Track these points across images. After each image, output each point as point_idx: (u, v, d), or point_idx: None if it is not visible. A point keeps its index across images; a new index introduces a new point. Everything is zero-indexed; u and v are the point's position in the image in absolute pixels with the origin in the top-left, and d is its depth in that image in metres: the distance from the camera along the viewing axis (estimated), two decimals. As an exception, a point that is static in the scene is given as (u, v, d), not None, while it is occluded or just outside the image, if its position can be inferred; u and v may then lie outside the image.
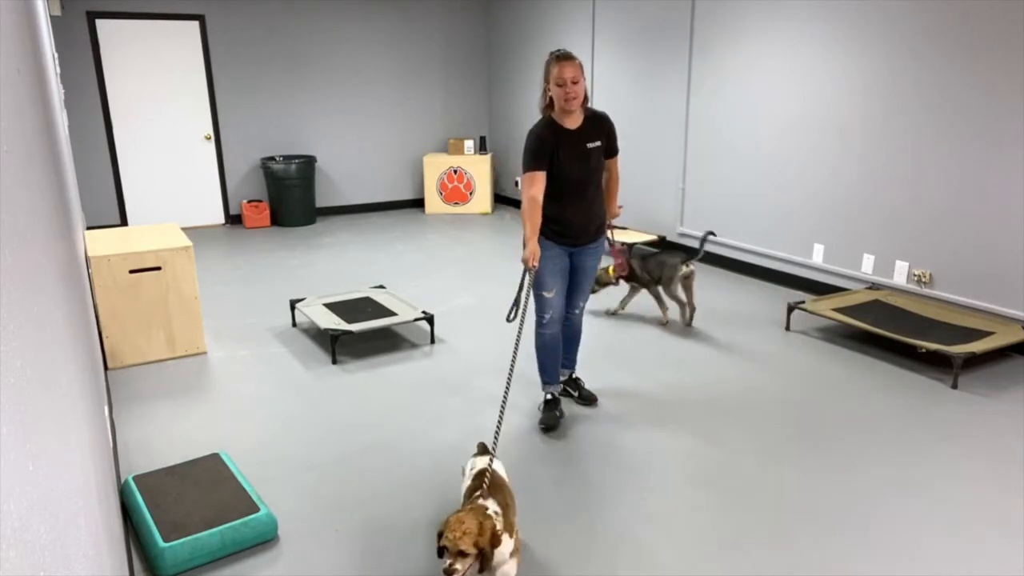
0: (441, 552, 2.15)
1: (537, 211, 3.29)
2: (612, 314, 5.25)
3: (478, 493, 2.33)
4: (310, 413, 3.75)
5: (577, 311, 3.75)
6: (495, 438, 2.63)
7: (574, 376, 3.91)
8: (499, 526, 2.19)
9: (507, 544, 2.20)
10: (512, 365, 2.92)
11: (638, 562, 2.58)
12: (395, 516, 2.87)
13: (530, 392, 3.93)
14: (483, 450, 2.69)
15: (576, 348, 3.89)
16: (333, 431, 3.56)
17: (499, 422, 2.69)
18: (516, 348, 2.98)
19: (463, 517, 2.16)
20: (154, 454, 3.34)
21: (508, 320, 3.38)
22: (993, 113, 4.38)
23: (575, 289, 3.68)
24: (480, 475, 2.43)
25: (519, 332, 3.03)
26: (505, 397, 2.79)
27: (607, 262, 4.80)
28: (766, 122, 5.84)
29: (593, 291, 4.84)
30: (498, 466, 2.57)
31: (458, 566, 2.10)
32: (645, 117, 7.05)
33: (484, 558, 2.14)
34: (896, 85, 4.87)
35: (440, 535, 2.16)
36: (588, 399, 3.85)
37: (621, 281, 5.08)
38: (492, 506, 2.26)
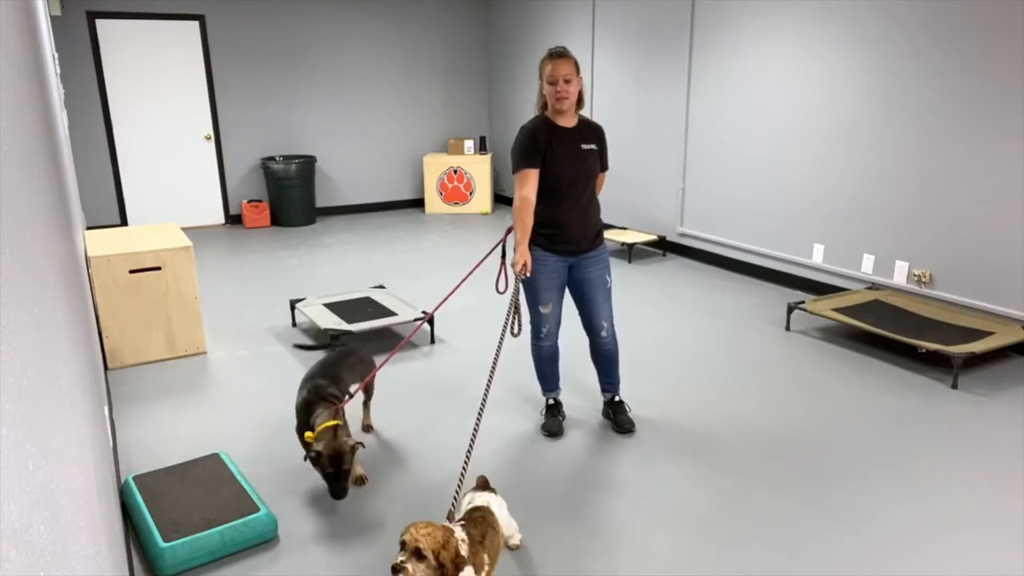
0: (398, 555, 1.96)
1: (530, 212, 3.14)
2: (371, 428, 3.59)
3: (449, 516, 2.19)
4: (310, 413, 3.74)
5: (604, 334, 3.40)
6: (463, 468, 2.39)
7: (616, 399, 3.58)
8: (464, 552, 2.00)
9: (468, 574, 2.01)
10: (485, 397, 2.66)
11: (638, 562, 2.58)
12: (395, 516, 2.87)
13: (533, 395, 3.93)
14: (483, 485, 2.50)
15: (613, 370, 3.53)
16: (333, 431, 3.55)
17: (468, 452, 2.47)
18: (491, 376, 2.67)
19: (431, 524, 1.99)
20: (154, 454, 3.34)
21: (513, 335, 3.07)
22: (993, 113, 4.37)
23: (589, 308, 3.36)
24: (473, 511, 2.24)
25: (494, 362, 2.76)
26: (474, 433, 2.50)
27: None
28: (766, 122, 5.84)
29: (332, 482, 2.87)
30: (497, 505, 2.37)
31: (408, 566, 1.90)
32: (645, 117, 7.05)
33: None
34: (897, 85, 4.87)
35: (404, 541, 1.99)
36: (623, 427, 3.48)
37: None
38: (460, 533, 2.05)
